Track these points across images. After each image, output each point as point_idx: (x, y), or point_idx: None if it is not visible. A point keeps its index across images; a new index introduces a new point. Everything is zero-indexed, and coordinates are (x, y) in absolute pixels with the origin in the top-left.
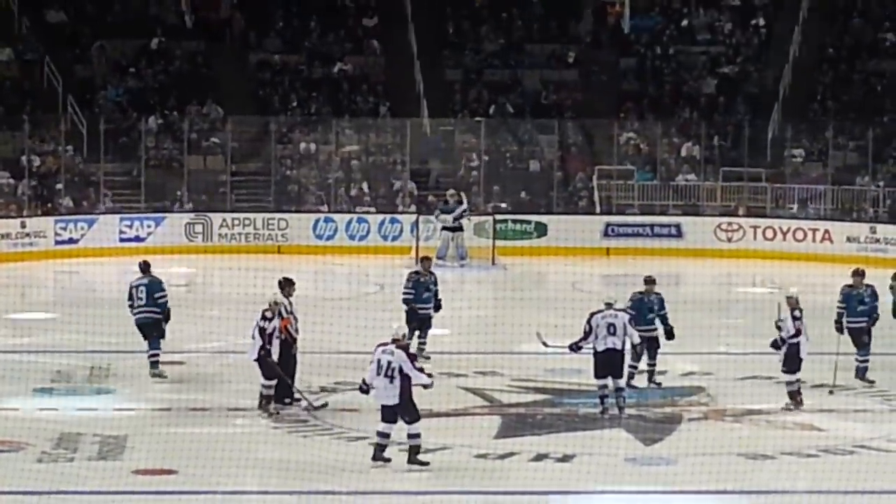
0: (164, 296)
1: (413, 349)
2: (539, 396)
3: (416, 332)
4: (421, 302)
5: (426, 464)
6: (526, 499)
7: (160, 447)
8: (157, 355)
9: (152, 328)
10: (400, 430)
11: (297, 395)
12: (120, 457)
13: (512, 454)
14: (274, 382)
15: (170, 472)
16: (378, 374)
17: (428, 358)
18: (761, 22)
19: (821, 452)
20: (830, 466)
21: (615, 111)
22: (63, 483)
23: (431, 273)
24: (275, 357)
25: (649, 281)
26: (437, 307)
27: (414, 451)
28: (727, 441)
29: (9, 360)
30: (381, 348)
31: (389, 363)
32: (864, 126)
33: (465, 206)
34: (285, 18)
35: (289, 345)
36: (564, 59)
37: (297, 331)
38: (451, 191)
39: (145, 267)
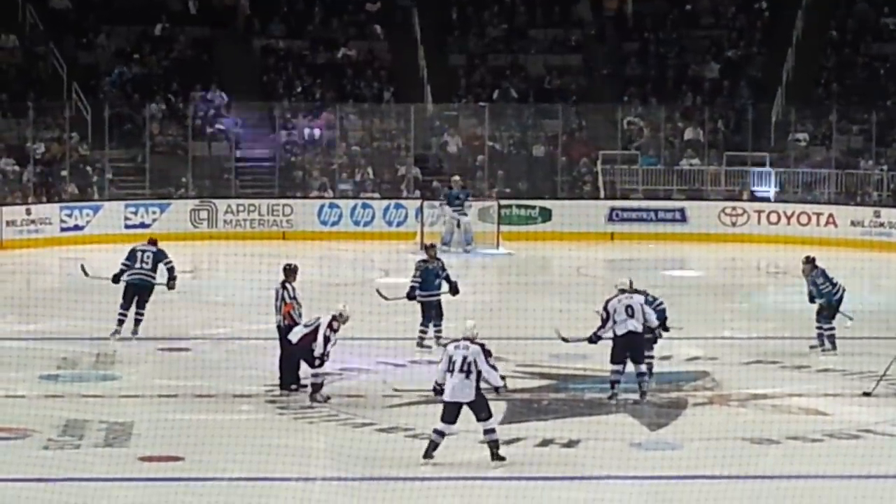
0: (170, 261)
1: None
2: (544, 382)
3: (432, 321)
4: (432, 289)
5: (504, 458)
6: (532, 484)
7: (166, 434)
8: (143, 316)
9: (147, 292)
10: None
11: (303, 381)
12: (126, 443)
13: (517, 440)
14: (321, 370)
15: (176, 458)
16: (451, 370)
17: (444, 346)
18: (764, 5)
19: (826, 437)
20: (835, 451)
21: (619, 96)
22: (69, 470)
23: (438, 259)
24: (317, 353)
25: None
26: (455, 291)
27: (495, 447)
28: (732, 426)
29: (14, 346)
30: (452, 345)
31: (465, 357)
32: (867, 110)
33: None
34: (289, 4)
35: (291, 331)
36: (568, 43)
37: (300, 316)
38: (456, 177)
39: (154, 242)
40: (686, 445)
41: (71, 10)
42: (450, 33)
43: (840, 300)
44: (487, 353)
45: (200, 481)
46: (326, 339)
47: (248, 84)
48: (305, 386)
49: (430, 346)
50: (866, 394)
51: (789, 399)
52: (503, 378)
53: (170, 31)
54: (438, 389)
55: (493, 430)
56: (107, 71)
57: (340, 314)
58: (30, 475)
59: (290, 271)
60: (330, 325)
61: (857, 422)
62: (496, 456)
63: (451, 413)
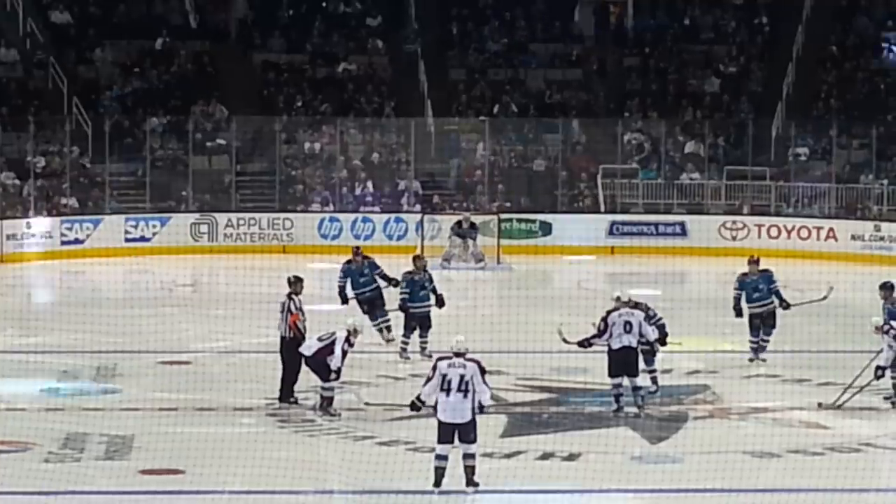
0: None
1: (412, 348)
2: (545, 395)
3: (418, 332)
4: (417, 300)
5: (478, 484)
6: (532, 497)
7: (167, 447)
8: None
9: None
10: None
11: (296, 394)
12: (127, 456)
13: (518, 453)
14: (333, 385)
15: (177, 471)
16: (446, 389)
17: (430, 356)
18: (764, 20)
19: (826, 450)
20: (836, 464)
21: (619, 110)
22: (70, 483)
23: (425, 271)
24: (334, 367)
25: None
26: (441, 303)
27: (472, 472)
28: (733, 439)
29: (15, 359)
30: (444, 362)
31: (462, 377)
32: (868, 124)
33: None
34: (289, 18)
35: (297, 342)
36: (568, 58)
37: (304, 328)
38: (467, 215)
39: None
40: (687, 459)
41: (71, 24)
42: (450, 48)
43: None
44: (483, 371)
45: (201, 494)
46: (344, 354)
47: (249, 98)
48: (307, 399)
49: (409, 357)
50: (821, 405)
51: (790, 412)
52: (492, 398)
53: (170, 45)
54: (418, 406)
55: (473, 456)
56: (107, 85)
57: (354, 328)
58: (30, 488)
59: (295, 282)
60: (347, 340)
61: (857, 435)
62: (471, 481)
63: (447, 434)
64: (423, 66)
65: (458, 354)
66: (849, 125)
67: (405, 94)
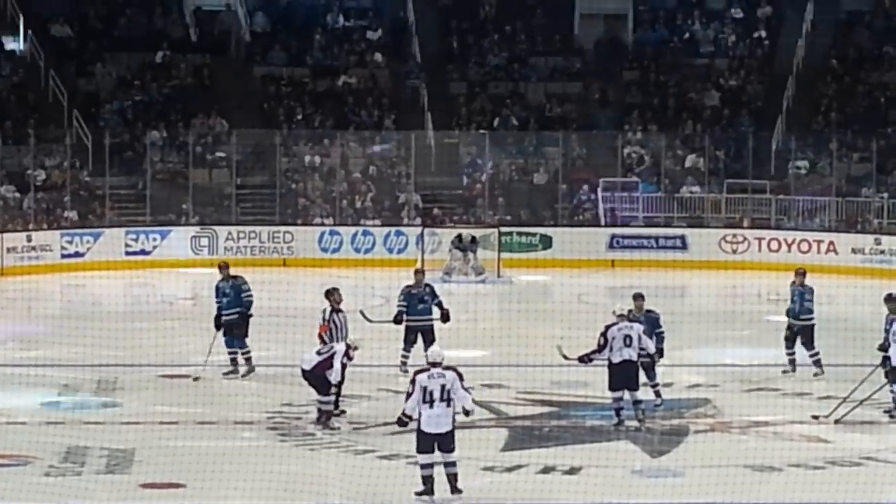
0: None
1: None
2: (546, 409)
3: (423, 346)
4: (415, 314)
5: (461, 490)
6: None
7: (168, 460)
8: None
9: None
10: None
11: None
12: (127, 470)
13: (519, 467)
14: (330, 399)
15: (177, 485)
16: (429, 401)
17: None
18: (764, 34)
19: (827, 464)
20: (837, 478)
21: (619, 123)
22: (70, 497)
23: (427, 285)
24: (334, 381)
25: (637, 297)
26: (445, 318)
27: (455, 479)
28: (734, 453)
29: (16, 373)
30: (423, 375)
31: (444, 386)
32: (868, 137)
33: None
34: (289, 32)
35: None
36: (568, 71)
37: (331, 339)
38: (467, 232)
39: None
40: (688, 473)
41: (72, 37)
42: (450, 61)
43: None
44: (461, 378)
45: None
46: (343, 367)
47: (249, 111)
48: (345, 411)
49: (408, 371)
50: (817, 418)
51: (791, 426)
52: (473, 401)
53: (170, 58)
54: (406, 421)
55: (455, 463)
56: (107, 98)
57: (354, 343)
58: (31, 502)
59: (331, 293)
60: (346, 354)
61: (858, 449)
62: (455, 488)
63: (428, 444)
64: (423, 79)
65: (434, 365)
66: (849, 138)
67: (405, 108)
